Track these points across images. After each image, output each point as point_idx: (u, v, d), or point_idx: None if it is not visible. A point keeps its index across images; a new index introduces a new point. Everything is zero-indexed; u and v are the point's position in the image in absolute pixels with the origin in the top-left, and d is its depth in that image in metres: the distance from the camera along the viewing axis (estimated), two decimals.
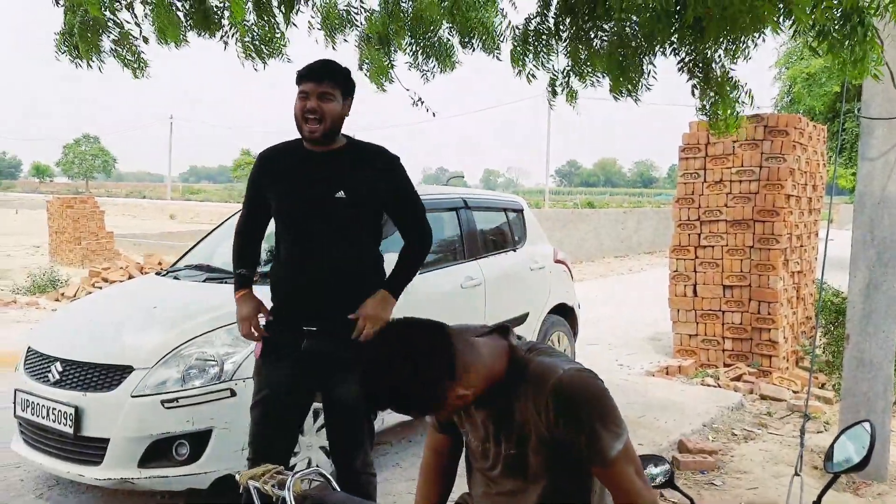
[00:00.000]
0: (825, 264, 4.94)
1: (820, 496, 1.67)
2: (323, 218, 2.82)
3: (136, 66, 3.92)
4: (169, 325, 3.70)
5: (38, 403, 3.61)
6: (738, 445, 5.22)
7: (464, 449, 1.94)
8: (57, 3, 3.92)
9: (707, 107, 4.31)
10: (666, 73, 4.28)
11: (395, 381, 1.54)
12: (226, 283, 4.29)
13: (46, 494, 3.89)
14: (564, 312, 6.13)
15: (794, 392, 6.57)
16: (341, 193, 2.79)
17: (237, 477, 2.35)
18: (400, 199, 2.97)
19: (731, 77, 4.12)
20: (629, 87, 3.88)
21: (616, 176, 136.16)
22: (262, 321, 2.97)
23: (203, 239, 5.13)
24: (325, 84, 2.74)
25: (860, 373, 4.70)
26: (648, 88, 4.01)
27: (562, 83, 4.19)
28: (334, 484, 2.39)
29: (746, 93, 4.22)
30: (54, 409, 3.52)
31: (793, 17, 2.93)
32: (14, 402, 3.77)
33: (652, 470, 2.10)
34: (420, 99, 5.01)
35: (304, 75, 2.77)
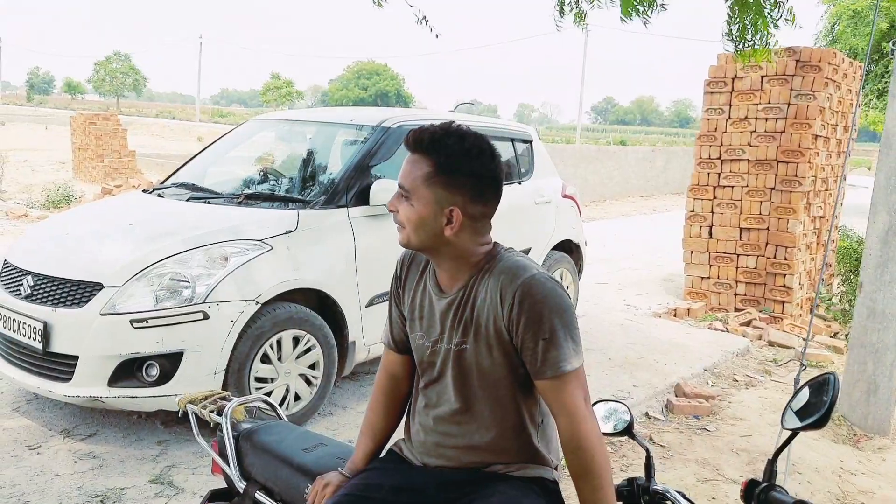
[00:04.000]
0: (840, 210, 4.69)
1: (776, 454, 1.51)
2: None
3: None
4: (142, 243, 3.59)
5: (9, 317, 3.56)
6: (738, 392, 5.07)
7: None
8: None
9: (734, 31, 4.00)
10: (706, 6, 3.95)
11: (455, 134, 1.60)
12: (209, 202, 4.17)
13: (23, 408, 3.88)
14: (570, 249, 5.94)
15: (805, 340, 6.37)
16: None
17: (177, 399, 2.27)
18: None
19: None
20: (641, 6, 3.56)
21: (653, 115, 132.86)
22: None
23: (194, 157, 4.98)
24: None
25: (871, 323, 4.49)
26: (664, 8, 3.69)
27: (570, 2, 3.89)
28: (280, 412, 2.30)
29: (787, 10, 3.88)
30: (25, 323, 3.47)
31: None
32: None
33: (610, 415, 1.94)
34: (425, 17, 4.73)
35: None
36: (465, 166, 1.59)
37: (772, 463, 1.48)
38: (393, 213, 1.67)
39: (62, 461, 3.35)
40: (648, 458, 1.80)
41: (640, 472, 1.86)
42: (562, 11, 4.29)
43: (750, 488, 1.49)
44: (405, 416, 1.88)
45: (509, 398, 1.66)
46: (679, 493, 1.65)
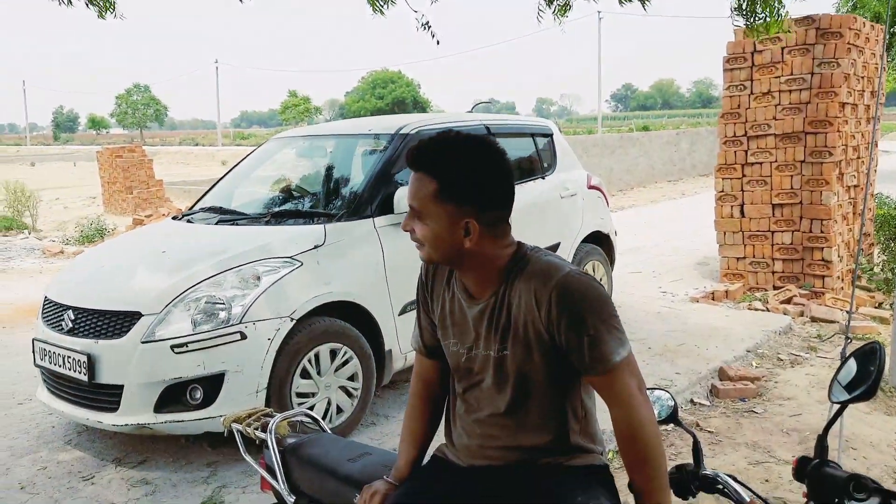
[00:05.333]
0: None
1: (826, 429, 1.48)
2: None
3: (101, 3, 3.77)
4: (176, 270, 3.65)
5: (54, 352, 3.64)
6: (784, 371, 4.98)
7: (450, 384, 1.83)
8: None
9: (744, 6, 3.95)
10: None
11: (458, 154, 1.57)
12: (237, 224, 4.22)
13: (75, 440, 3.96)
14: (599, 240, 5.90)
15: (848, 313, 6.24)
16: None
17: (222, 420, 2.30)
18: None
19: None
20: None
21: (674, 97, 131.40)
22: None
23: (219, 181, 5.04)
24: None
25: None
26: None
27: None
28: (323, 425, 2.31)
29: None
30: (69, 356, 3.54)
31: None
32: (33, 351, 3.81)
33: (653, 403, 1.92)
34: (427, 23, 4.75)
35: None
36: (469, 179, 1.56)
37: (822, 438, 1.45)
38: (409, 233, 1.66)
39: (116, 489, 3.40)
40: (696, 444, 1.77)
41: (688, 459, 1.84)
42: (550, 2, 4.27)
43: (801, 466, 1.46)
44: (445, 421, 1.87)
45: (550, 398, 1.65)
46: (729, 475, 1.63)
